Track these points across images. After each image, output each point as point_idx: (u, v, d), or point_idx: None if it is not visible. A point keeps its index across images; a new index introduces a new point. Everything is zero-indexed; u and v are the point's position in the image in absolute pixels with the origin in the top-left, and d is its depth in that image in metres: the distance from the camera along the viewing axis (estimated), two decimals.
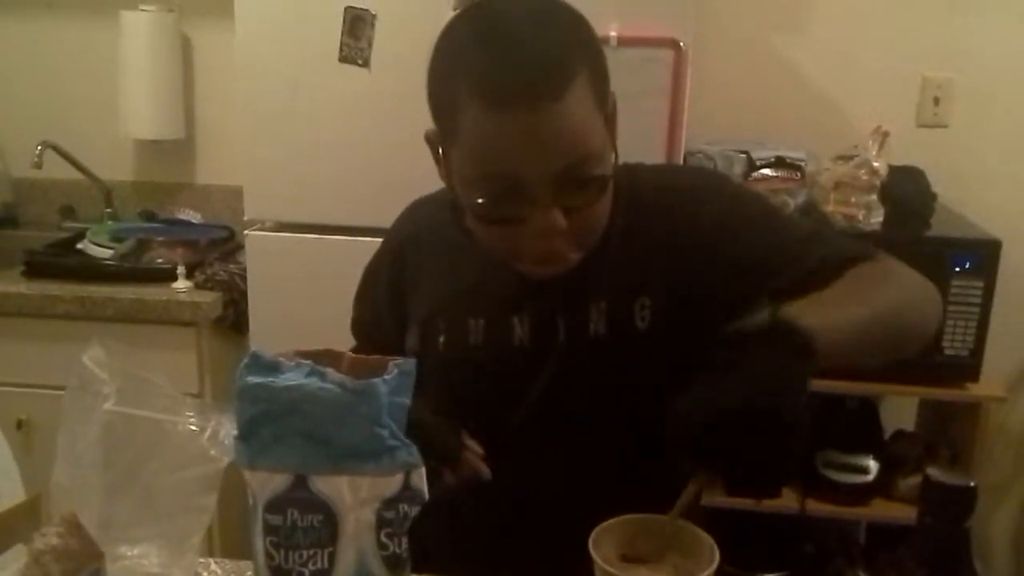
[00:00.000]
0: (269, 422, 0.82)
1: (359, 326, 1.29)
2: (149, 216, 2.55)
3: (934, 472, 0.66)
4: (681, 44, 1.76)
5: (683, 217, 1.06)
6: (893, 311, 0.96)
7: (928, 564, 0.67)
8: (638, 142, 1.09)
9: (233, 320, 2.15)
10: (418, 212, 1.25)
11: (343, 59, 1.87)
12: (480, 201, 0.97)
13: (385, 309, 1.22)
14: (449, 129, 0.98)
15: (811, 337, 0.81)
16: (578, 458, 1.05)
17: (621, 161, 1.07)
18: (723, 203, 1.07)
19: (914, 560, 0.68)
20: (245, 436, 0.83)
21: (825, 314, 0.87)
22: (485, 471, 1.01)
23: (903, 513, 2.08)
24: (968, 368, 2.02)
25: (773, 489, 0.92)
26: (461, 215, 1.14)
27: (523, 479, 1.07)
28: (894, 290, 0.98)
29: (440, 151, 1.03)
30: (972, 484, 0.65)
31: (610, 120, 1.01)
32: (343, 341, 0.91)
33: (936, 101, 2.37)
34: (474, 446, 1.03)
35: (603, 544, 0.84)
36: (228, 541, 2.15)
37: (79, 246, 2.33)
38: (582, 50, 0.95)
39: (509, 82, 0.91)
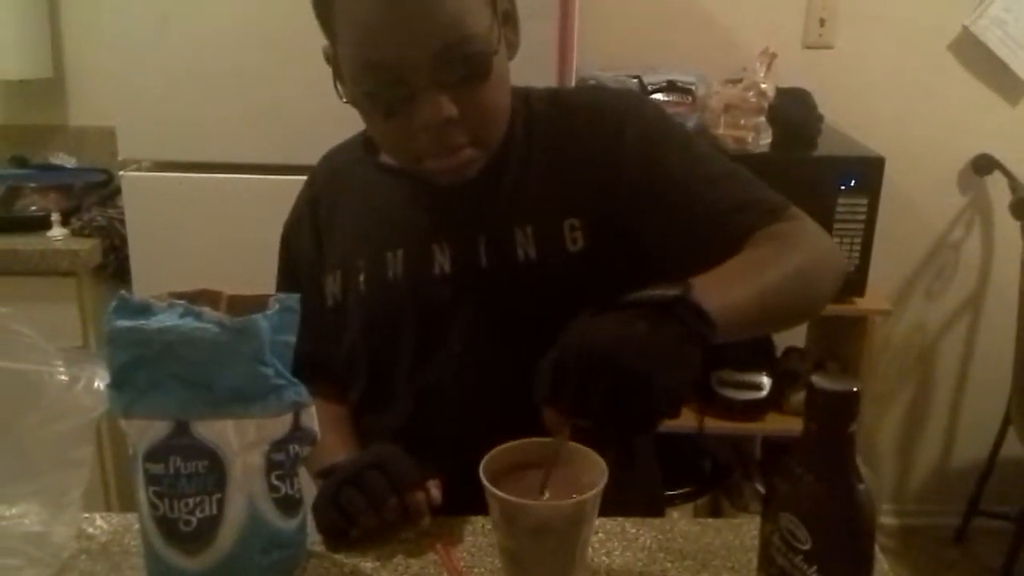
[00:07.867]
0: (143, 367, 0.78)
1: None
2: (20, 162, 2.42)
3: (818, 379, 0.67)
4: None
5: (607, 139, 1.04)
6: (796, 285, 0.93)
7: (814, 469, 0.69)
8: (528, 67, 1.07)
9: (115, 267, 2.06)
10: (330, 160, 1.22)
11: None
12: (366, 92, 0.96)
13: (317, 265, 1.16)
14: (330, 29, 0.97)
15: (710, 322, 0.78)
16: (510, 389, 0.96)
17: (513, 87, 1.04)
18: (646, 127, 1.05)
19: (801, 466, 0.69)
20: (118, 383, 0.79)
21: (729, 292, 0.84)
22: (427, 519, 0.95)
23: (795, 426, 2.12)
24: (854, 283, 2.07)
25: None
26: (375, 151, 1.12)
27: (455, 415, 1.05)
28: (800, 259, 0.94)
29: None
30: (855, 389, 0.66)
31: (507, 17, 1.00)
32: (230, 284, 0.87)
33: (822, 22, 2.40)
34: (434, 490, 0.96)
35: (493, 469, 0.83)
36: (126, 496, 2.09)
37: None
38: None
39: None
